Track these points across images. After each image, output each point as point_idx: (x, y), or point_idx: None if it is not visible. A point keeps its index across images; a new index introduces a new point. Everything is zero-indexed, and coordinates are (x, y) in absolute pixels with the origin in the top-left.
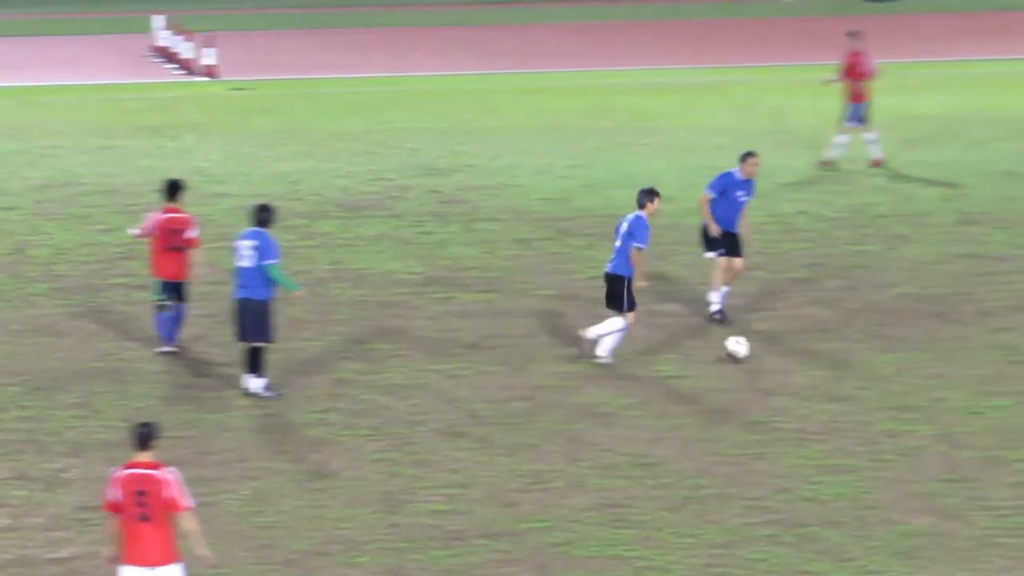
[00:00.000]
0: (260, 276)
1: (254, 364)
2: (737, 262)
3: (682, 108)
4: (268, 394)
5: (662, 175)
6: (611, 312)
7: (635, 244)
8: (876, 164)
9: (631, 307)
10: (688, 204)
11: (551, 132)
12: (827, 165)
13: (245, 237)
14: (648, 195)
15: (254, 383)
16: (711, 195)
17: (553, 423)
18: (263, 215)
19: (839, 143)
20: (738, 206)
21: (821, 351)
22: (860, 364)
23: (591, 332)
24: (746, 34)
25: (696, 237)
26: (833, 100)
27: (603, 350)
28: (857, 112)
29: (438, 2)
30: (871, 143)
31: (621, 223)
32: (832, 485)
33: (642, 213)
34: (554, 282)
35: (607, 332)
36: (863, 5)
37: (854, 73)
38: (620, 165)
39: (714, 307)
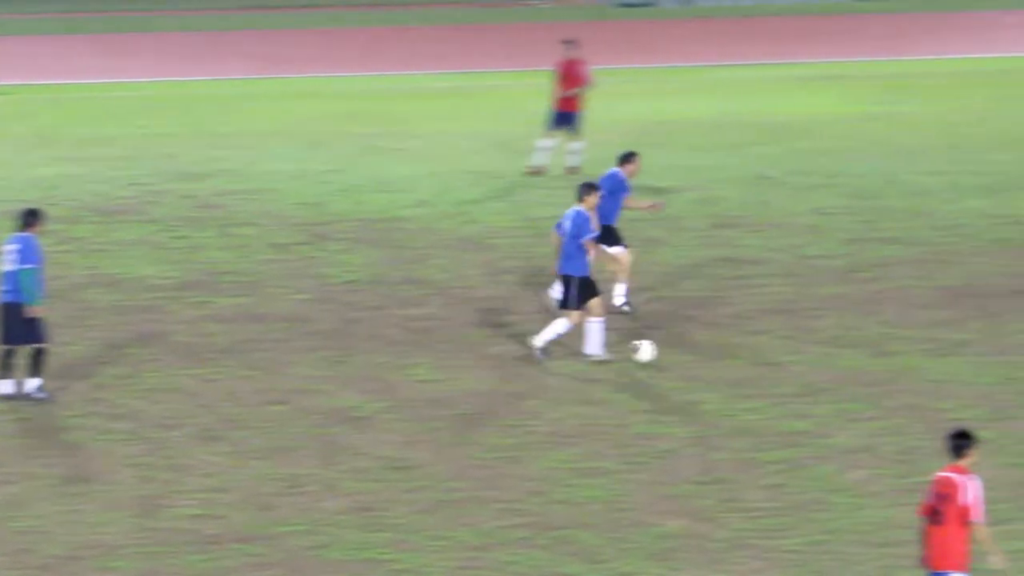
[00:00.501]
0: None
1: (35, 366)
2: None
3: (438, 113)
4: (41, 395)
5: (417, 180)
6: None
7: (586, 238)
8: (572, 171)
9: (576, 305)
10: (442, 208)
11: (308, 137)
12: (537, 171)
13: (10, 241)
14: (587, 189)
15: (29, 383)
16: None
17: (308, 427)
18: (28, 219)
19: (544, 147)
20: (620, 204)
21: (574, 354)
22: (614, 367)
23: (589, 350)
24: (503, 39)
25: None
26: (599, 104)
27: (591, 348)
28: (567, 119)
29: (197, 8)
30: (572, 153)
31: (564, 221)
32: (586, 488)
33: (581, 207)
34: (310, 286)
35: (553, 335)
36: (620, 11)
37: (567, 81)
38: (375, 170)
39: (621, 299)
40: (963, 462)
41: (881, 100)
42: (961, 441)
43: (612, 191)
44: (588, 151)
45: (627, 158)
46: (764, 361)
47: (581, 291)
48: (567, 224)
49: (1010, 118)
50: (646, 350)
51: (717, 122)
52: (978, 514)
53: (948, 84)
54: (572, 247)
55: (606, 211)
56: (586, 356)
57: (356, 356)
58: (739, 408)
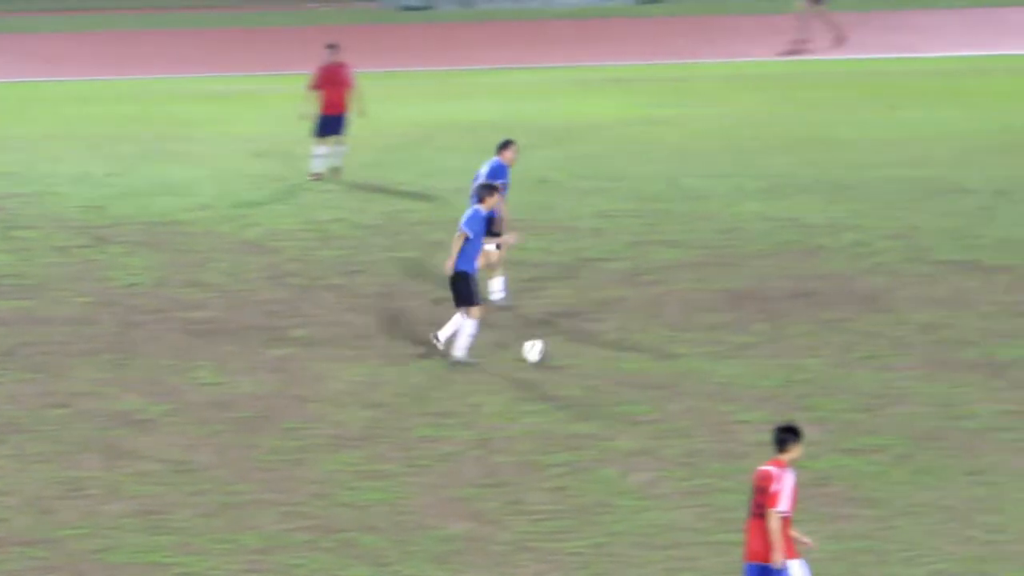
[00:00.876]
0: None
1: None
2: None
3: (219, 116)
4: None
5: (199, 183)
6: (459, 310)
7: (461, 230)
8: (335, 173)
9: (478, 301)
10: (224, 211)
11: (89, 140)
12: (319, 177)
13: None
14: (486, 190)
15: None
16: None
17: (91, 430)
18: None
19: (319, 153)
20: (504, 194)
21: (358, 357)
22: (397, 370)
23: (441, 335)
24: (283, 42)
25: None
26: (381, 107)
27: (459, 351)
28: (335, 124)
29: None
30: (337, 153)
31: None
32: (369, 491)
33: (480, 207)
34: (92, 289)
35: (460, 333)
36: (400, 14)
37: (331, 85)
38: (158, 173)
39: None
40: (784, 456)
41: (662, 103)
42: (785, 435)
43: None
44: (373, 155)
45: (504, 146)
46: (546, 364)
47: (476, 284)
48: (462, 222)
49: (787, 121)
50: (536, 349)
51: (499, 125)
52: (782, 504)
53: (727, 87)
54: (469, 246)
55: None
56: (440, 344)
57: (139, 359)
58: (522, 411)
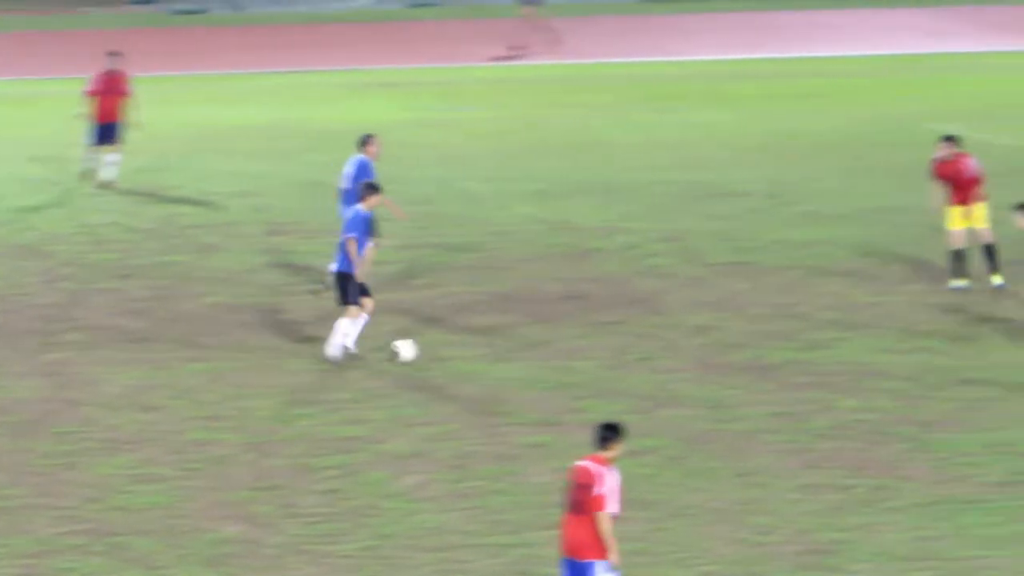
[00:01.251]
0: None
1: None
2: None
3: None
4: None
5: None
6: (341, 311)
7: (348, 235)
8: (107, 185)
9: (354, 300)
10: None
11: None
12: (87, 176)
13: None
14: (367, 189)
15: None
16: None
17: None
18: None
19: (92, 157)
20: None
21: (132, 360)
22: (170, 374)
23: (350, 345)
24: (53, 45)
25: None
26: (156, 112)
27: (335, 347)
28: (110, 131)
29: None
30: (111, 164)
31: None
32: (143, 494)
33: (360, 206)
34: None
35: (352, 334)
36: (172, 18)
37: (108, 93)
38: None
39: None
40: (606, 454)
41: (432, 107)
42: (607, 433)
43: (361, 177)
44: (147, 159)
45: (365, 141)
46: (319, 367)
47: (355, 287)
48: (346, 225)
49: (557, 124)
50: (408, 349)
51: (271, 129)
52: (610, 507)
53: (497, 90)
54: (342, 244)
55: (355, 199)
56: (347, 349)
57: None
58: (294, 414)
